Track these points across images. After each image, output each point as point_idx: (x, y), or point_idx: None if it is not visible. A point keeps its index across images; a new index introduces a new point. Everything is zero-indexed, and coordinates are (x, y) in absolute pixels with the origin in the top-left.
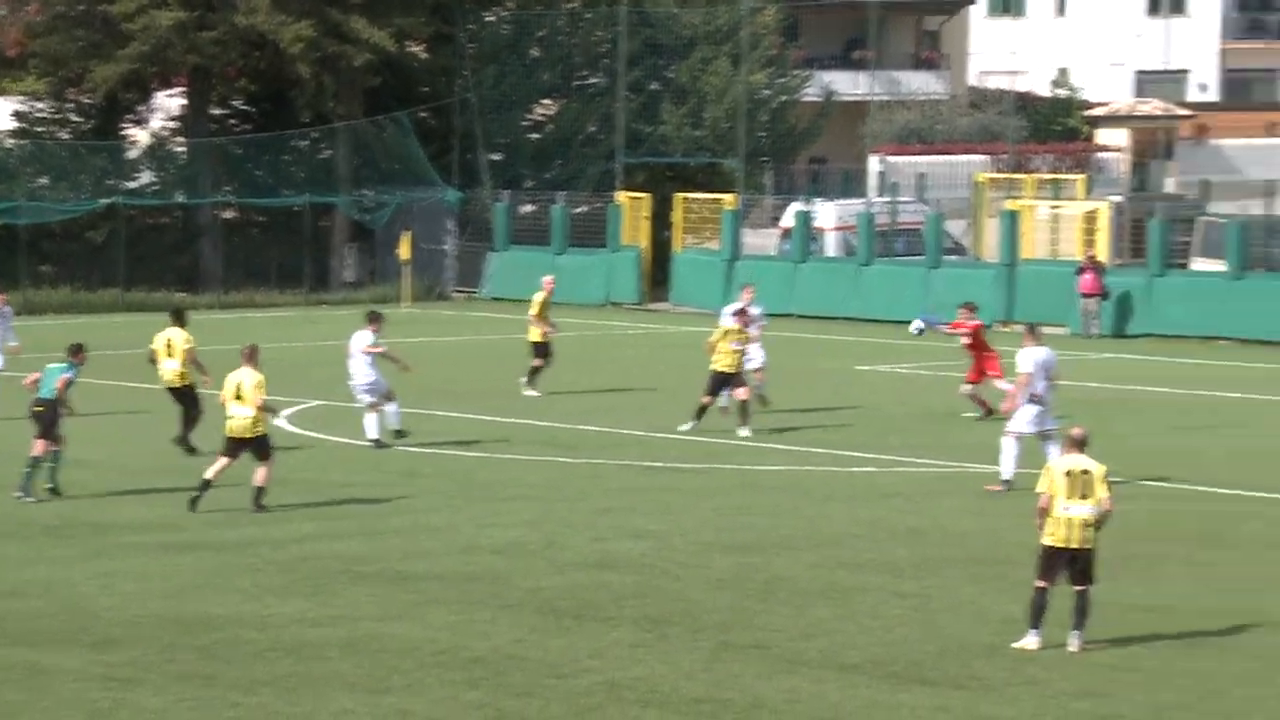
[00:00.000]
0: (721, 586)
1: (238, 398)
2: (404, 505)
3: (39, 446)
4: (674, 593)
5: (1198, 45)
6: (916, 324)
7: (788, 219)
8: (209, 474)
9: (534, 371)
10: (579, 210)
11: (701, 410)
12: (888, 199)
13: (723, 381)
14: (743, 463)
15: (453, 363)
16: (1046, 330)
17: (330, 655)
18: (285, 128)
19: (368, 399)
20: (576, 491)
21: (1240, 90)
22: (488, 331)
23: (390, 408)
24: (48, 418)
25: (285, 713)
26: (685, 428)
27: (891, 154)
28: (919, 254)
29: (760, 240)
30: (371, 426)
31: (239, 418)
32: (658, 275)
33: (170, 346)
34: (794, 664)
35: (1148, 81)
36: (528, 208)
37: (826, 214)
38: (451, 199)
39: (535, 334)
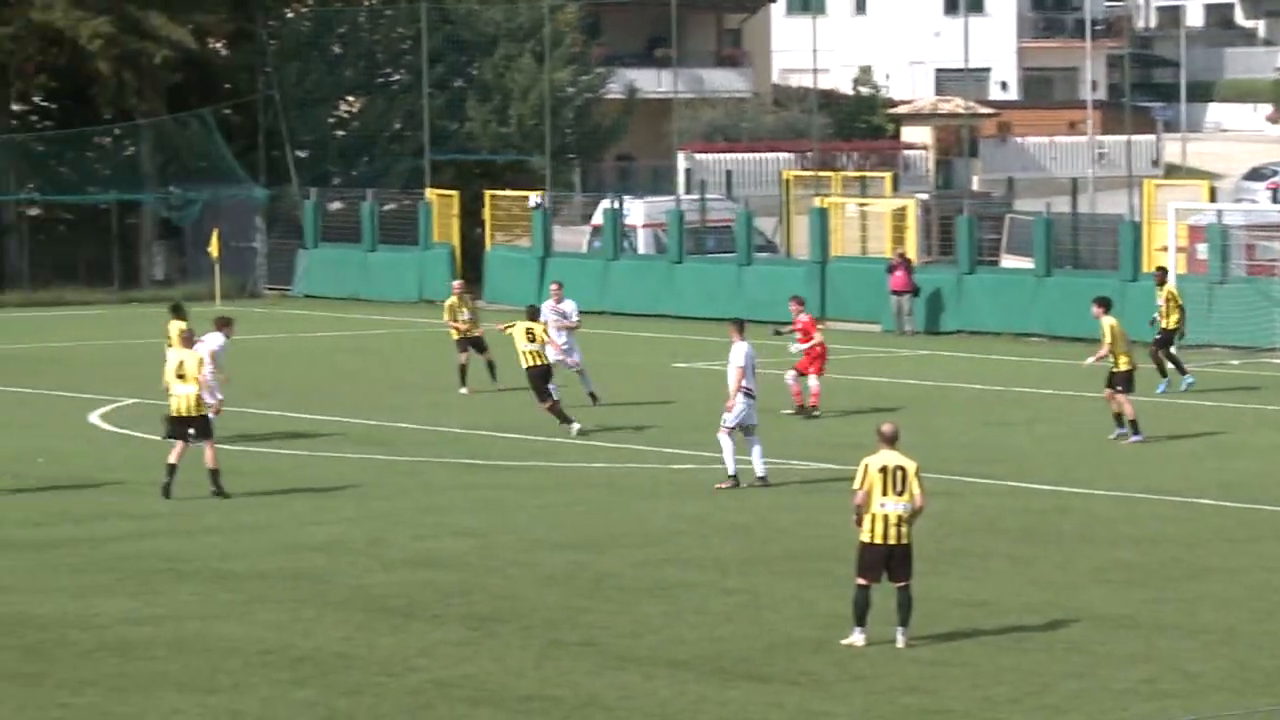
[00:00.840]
0: (548, 584)
1: (180, 377)
2: (221, 504)
3: None
4: (500, 590)
5: (996, 44)
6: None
7: (598, 216)
8: (171, 459)
9: (490, 367)
10: (388, 207)
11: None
12: (697, 196)
13: (542, 375)
14: (565, 460)
15: (268, 360)
16: (860, 327)
17: (158, 655)
18: (88, 124)
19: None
20: (397, 489)
21: (1040, 88)
22: (302, 330)
23: None
24: None
25: (115, 712)
26: (576, 428)
27: (698, 151)
28: (730, 251)
29: (571, 238)
30: None
31: (183, 396)
32: (471, 273)
33: None
34: (624, 660)
35: (948, 79)
36: (336, 205)
37: (637, 211)
38: (259, 196)
39: (454, 334)
